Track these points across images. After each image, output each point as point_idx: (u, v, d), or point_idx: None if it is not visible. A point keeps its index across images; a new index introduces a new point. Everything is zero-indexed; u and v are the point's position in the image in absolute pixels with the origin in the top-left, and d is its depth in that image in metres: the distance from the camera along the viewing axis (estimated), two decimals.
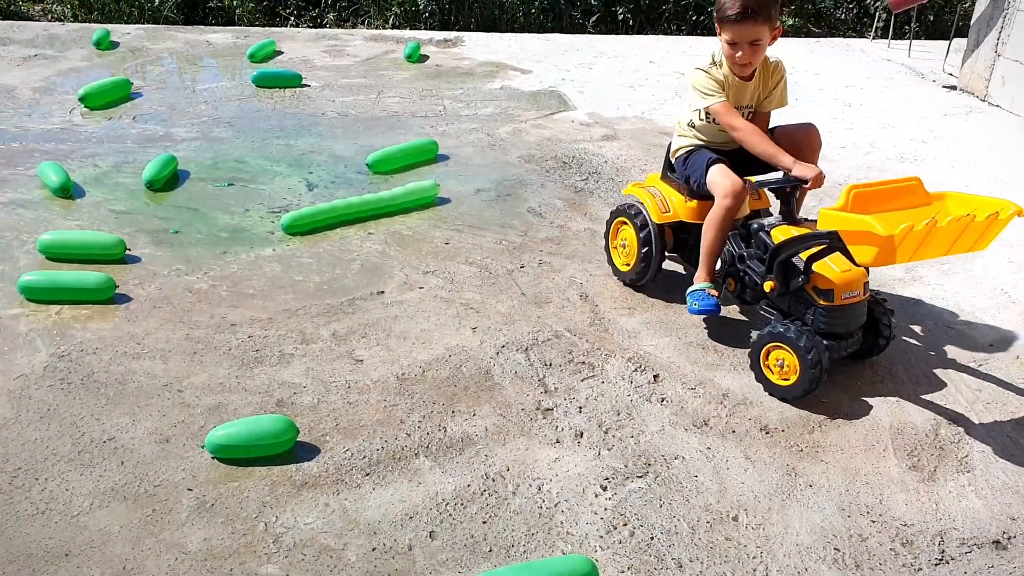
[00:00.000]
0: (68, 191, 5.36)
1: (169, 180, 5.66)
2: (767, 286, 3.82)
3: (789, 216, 3.99)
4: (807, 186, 3.88)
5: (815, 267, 3.72)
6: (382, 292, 4.49)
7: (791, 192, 3.98)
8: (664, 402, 3.74)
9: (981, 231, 3.36)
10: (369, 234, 5.12)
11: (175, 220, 5.15)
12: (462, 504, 3.12)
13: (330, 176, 5.89)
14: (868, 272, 3.74)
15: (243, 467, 3.23)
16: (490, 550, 2.94)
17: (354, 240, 5.04)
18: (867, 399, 3.86)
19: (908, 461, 3.49)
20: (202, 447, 3.28)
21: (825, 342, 3.69)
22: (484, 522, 3.05)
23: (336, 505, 3.08)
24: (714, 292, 4.07)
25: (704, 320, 4.38)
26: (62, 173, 5.43)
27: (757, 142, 3.96)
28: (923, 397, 3.84)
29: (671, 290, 4.64)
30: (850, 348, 3.87)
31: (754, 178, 4.10)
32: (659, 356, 4.06)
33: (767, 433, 3.60)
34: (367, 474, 3.23)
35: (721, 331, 4.31)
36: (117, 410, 3.49)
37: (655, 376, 3.91)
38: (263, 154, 6.23)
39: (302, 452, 3.33)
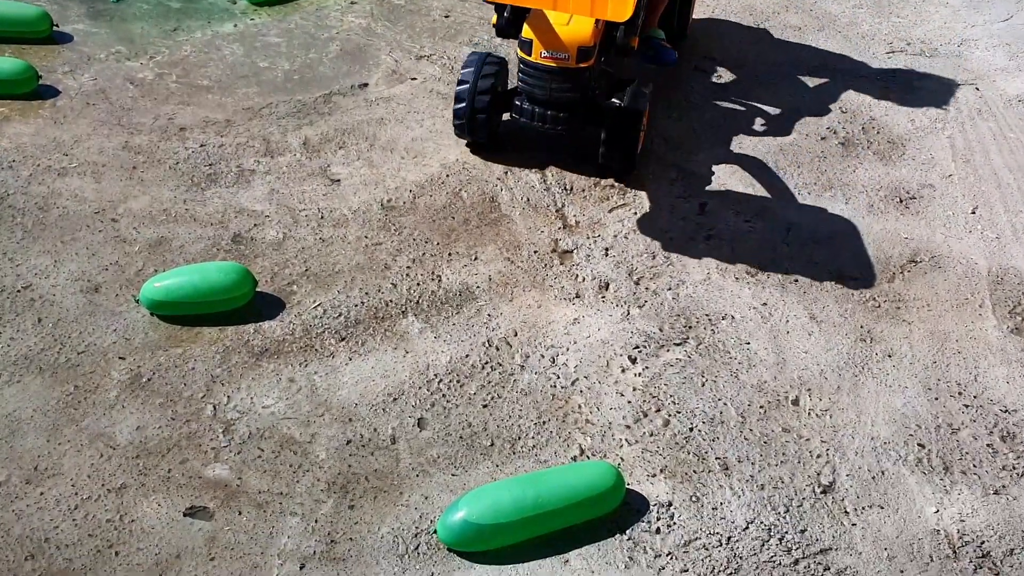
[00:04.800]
0: None
1: None
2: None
3: None
4: None
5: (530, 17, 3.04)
6: (365, 85, 3.66)
7: None
8: (711, 240, 3.03)
9: None
10: (351, 3, 4.18)
11: None
12: (458, 381, 2.52)
13: None
14: (596, 40, 3.02)
15: (188, 327, 2.61)
16: (491, 443, 2.38)
17: (333, 12, 4.11)
18: (960, 237, 3.14)
19: (1010, 322, 2.83)
20: (137, 300, 2.65)
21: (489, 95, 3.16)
22: (485, 406, 2.47)
23: (303, 381, 2.49)
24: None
25: (766, 127, 3.58)
26: None
27: None
28: None
29: (720, 93, 3.80)
30: (547, 126, 3.11)
31: None
32: (708, 175, 3.30)
33: (839, 280, 2.92)
34: (342, 338, 2.62)
35: (785, 139, 3.52)
36: (36, 247, 2.83)
37: (701, 205, 3.17)
38: None
39: (262, 306, 2.69)
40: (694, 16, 4.04)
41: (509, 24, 3.04)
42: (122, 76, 3.61)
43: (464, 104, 3.18)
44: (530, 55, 3.02)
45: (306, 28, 3.99)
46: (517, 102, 3.15)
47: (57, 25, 3.83)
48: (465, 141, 3.32)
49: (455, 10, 4.19)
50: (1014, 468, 2.41)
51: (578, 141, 3.28)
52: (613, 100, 3.26)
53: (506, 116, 3.28)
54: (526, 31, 3.02)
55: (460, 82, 3.21)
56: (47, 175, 3.10)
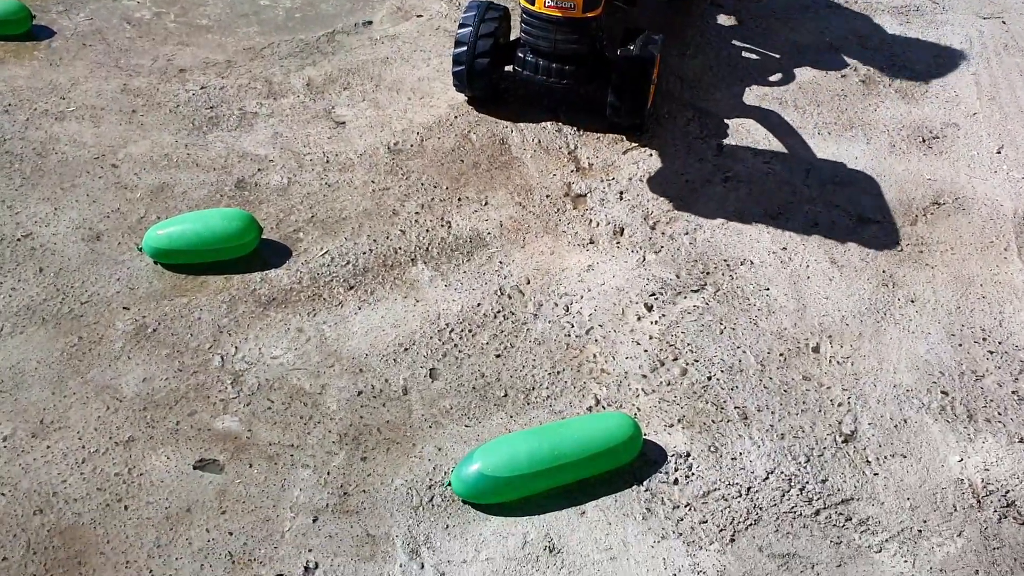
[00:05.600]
0: None
1: None
2: None
3: None
4: None
5: None
6: (369, 23, 3.53)
7: None
8: (729, 182, 2.94)
9: None
10: None
11: None
12: (470, 330, 2.46)
13: None
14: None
15: (193, 276, 2.55)
16: (504, 394, 2.33)
17: None
18: (984, 177, 3.04)
19: None
20: (140, 249, 2.58)
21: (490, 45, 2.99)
22: (498, 355, 2.41)
23: (312, 331, 2.44)
24: None
25: (784, 65, 3.45)
26: None
27: None
28: None
29: (736, 29, 3.67)
30: (551, 80, 2.95)
31: None
32: (725, 115, 3.19)
33: (860, 223, 2.84)
34: (351, 287, 2.55)
35: (804, 77, 3.40)
36: (35, 194, 2.75)
37: (719, 146, 3.08)
38: None
39: (268, 255, 2.63)
40: None
41: None
42: (118, 15, 3.49)
43: (465, 48, 3.02)
44: (533, 4, 2.85)
45: None
46: (520, 54, 2.97)
47: None
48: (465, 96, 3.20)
49: None
50: None
51: (584, 97, 3.16)
52: (620, 51, 3.12)
53: (507, 68, 3.13)
54: None
55: (461, 25, 3.06)
56: (44, 119, 3.01)
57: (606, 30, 3.03)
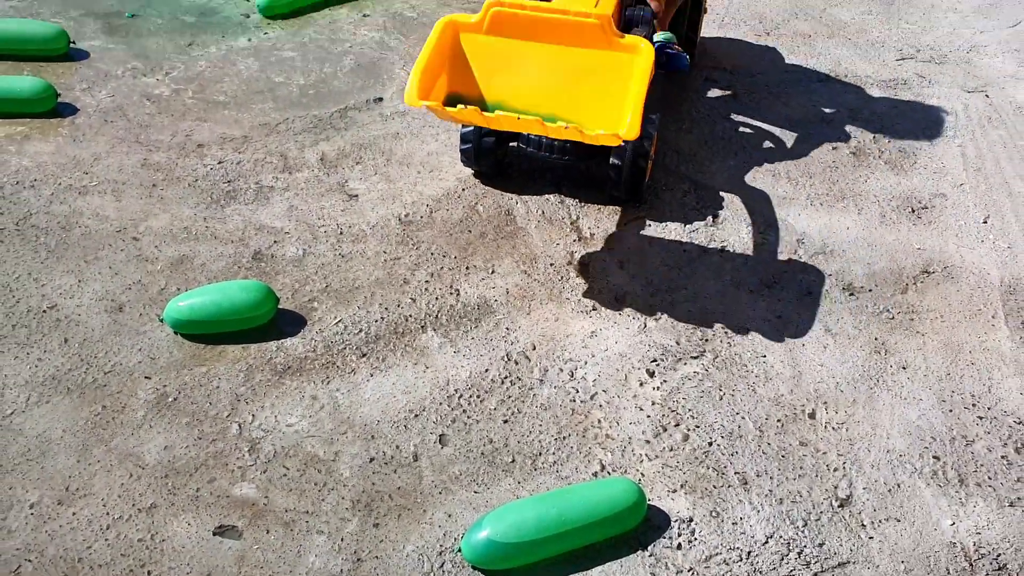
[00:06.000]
0: None
1: None
2: None
3: None
4: None
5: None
6: (380, 99, 3.69)
7: None
8: (725, 252, 3.07)
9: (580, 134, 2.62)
10: (364, 16, 4.21)
11: (130, 0, 4.25)
12: (478, 396, 2.56)
13: None
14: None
15: (212, 345, 2.65)
16: (512, 460, 2.41)
17: (346, 26, 4.14)
18: (972, 247, 3.16)
19: (1023, 332, 2.86)
20: (161, 320, 2.69)
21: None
22: (505, 421, 2.50)
23: (326, 399, 2.53)
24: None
25: (777, 138, 3.60)
26: None
27: None
28: None
29: (730, 103, 3.83)
30: (554, 156, 3.12)
31: None
32: (720, 187, 3.33)
33: (851, 294, 2.95)
34: (363, 354, 2.65)
35: (796, 149, 3.55)
36: (60, 266, 2.87)
37: (714, 217, 3.20)
38: None
39: (284, 324, 2.73)
40: (703, 35, 4.03)
41: None
42: (139, 92, 3.65)
43: (472, 127, 3.15)
44: None
45: (320, 42, 4.02)
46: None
47: (74, 42, 3.87)
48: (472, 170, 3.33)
49: None
50: None
51: (585, 171, 3.30)
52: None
53: (512, 144, 3.27)
54: None
55: None
56: (68, 194, 3.14)
57: None
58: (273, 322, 2.73)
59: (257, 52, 3.93)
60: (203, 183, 3.23)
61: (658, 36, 3.23)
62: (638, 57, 2.67)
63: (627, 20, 3.16)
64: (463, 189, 3.25)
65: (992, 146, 3.64)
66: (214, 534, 2.19)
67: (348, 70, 3.85)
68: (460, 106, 2.63)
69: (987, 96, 3.94)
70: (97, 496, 2.26)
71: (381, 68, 3.87)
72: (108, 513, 2.21)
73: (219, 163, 3.32)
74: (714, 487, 2.37)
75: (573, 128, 2.57)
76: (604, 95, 2.68)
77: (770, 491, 2.37)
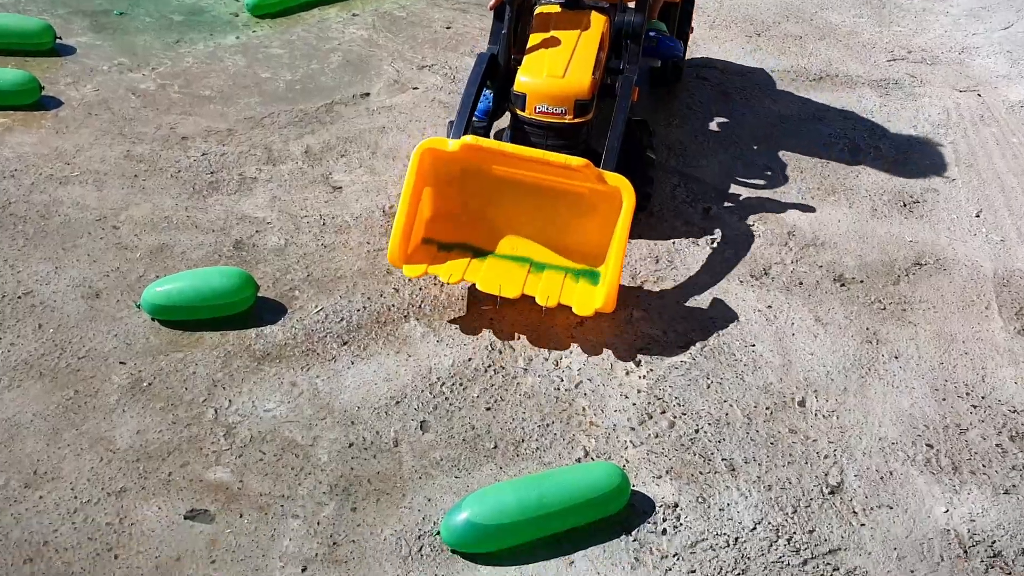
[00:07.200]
0: None
1: None
2: None
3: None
4: None
5: (524, 64, 2.88)
6: (367, 94, 3.66)
7: None
8: (715, 244, 3.02)
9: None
10: (353, 16, 4.20)
11: None
12: (461, 384, 2.50)
13: None
14: (594, 91, 2.84)
15: (189, 332, 2.59)
16: (495, 446, 2.35)
17: (335, 24, 4.13)
18: (964, 240, 3.12)
19: (1017, 323, 2.81)
20: (138, 305, 2.63)
21: None
22: (488, 408, 2.44)
23: (305, 385, 2.47)
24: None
25: (768, 134, 3.57)
26: None
27: None
28: None
29: (721, 100, 3.80)
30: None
31: None
32: (711, 181, 3.29)
33: (842, 285, 2.90)
34: (344, 343, 2.60)
35: (787, 145, 3.51)
36: (37, 253, 2.82)
37: (706, 209, 3.16)
38: None
39: (264, 312, 2.68)
40: (692, 35, 3.96)
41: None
42: (124, 87, 3.62)
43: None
44: (524, 110, 2.82)
45: (308, 40, 4.00)
46: None
47: (60, 38, 3.84)
48: None
49: (456, 22, 4.21)
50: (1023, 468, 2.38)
51: None
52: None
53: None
54: (519, 85, 2.82)
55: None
56: (49, 183, 3.09)
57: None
58: (253, 310, 2.67)
59: (245, 49, 3.91)
60: (186, 174, 3.18)
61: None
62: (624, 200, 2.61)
63: (616, 29, 3.07)
64: None
65: (984, 143, 3.62)
66: (185, 518, 2.12)
67: (335, 66, 3.82)
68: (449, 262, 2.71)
69: (979, 95, 3.92)
70: (65, 480, 2.19)
71: (369, 64, 3.85)
72: (76, 497, 2.15)
73: (203, 155, 3.27)
74: (700, 473, 2.31)
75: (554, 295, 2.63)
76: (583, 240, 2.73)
77: (758, 478, 2.31)
